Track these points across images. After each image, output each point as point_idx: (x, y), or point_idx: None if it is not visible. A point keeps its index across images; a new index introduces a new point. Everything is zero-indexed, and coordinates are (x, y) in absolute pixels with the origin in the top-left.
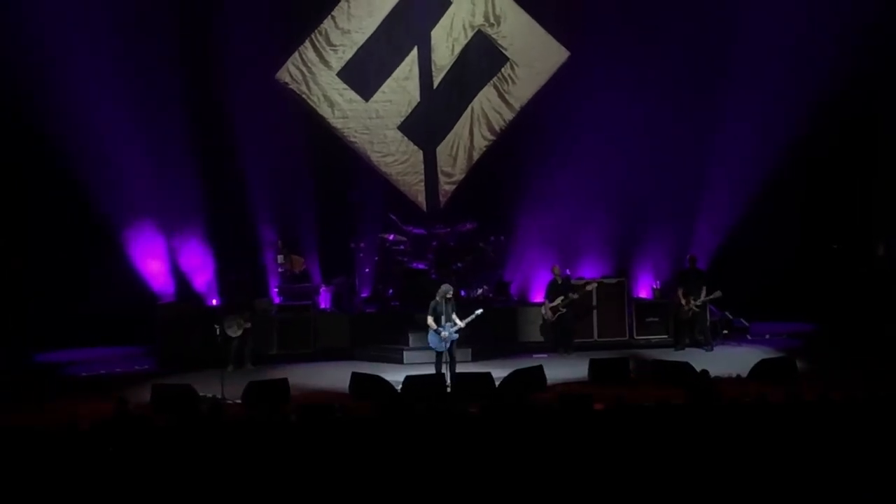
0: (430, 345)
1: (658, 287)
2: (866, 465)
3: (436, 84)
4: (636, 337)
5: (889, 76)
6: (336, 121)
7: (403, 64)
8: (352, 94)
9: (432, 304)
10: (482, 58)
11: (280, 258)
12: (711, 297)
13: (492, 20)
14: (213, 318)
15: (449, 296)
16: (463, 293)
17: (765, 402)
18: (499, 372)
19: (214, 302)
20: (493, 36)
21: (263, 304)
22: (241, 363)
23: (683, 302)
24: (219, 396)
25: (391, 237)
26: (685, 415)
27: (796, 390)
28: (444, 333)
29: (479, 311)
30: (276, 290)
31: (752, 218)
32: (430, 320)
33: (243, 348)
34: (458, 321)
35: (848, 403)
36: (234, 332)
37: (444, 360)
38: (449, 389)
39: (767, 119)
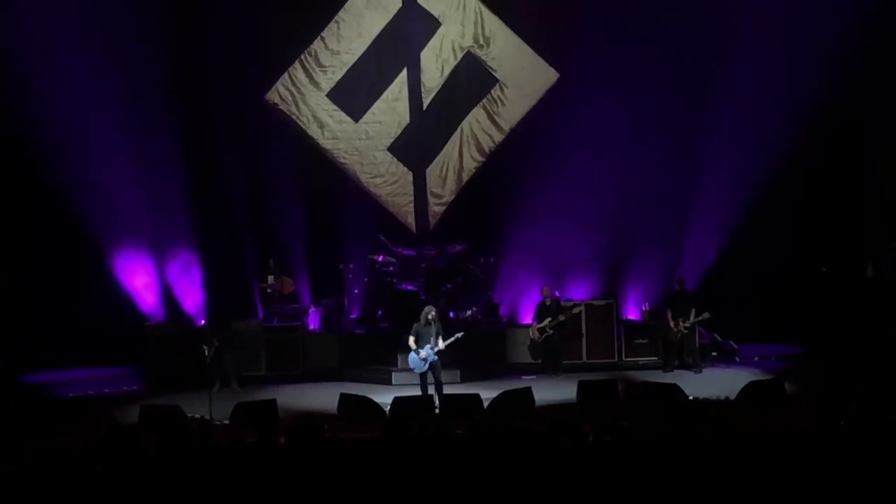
0: (410, 365)
1: (647, 309)
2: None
3: (425, 105)
4: (625, 359)
5: (881, 82)
6: (326, 142)
7: (393, 85)
8: (341, 115)
9: (415, 325)
10: (472, 79)
11: (270, 279)
12: (700, 318)
13: (481, 41)
14: (201, 338)
15: (431, 317)
16: (452, 315)
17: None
18: (487, 393)
19: (203, 322)
20: (483, 57)
21: (247, 326)
22: (226, 383)
23: (672, 324)
24: (207, 417)
25: (380, 258)
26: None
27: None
28: (423, 353)
29: (459, 335)
30: (265, 310)
31: (741, 240)
32: (410, 341)
33: (224, 368)
34: (439, 343)
35: (827, 433)
36: (206, 354)
37: (428, 381)
38: (437, 411)
39: (757, 139)
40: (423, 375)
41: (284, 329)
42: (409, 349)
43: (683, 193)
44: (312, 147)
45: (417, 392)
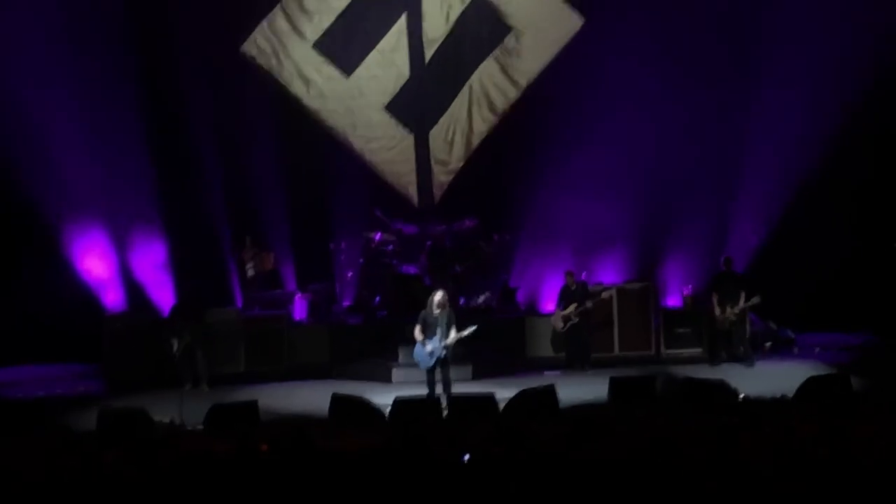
0: (415, 359)
1: (689, 293)
2: None
3: (428, 58)
4: (664, 351)
5: None
6: (312, 101)
7: (390, 34)
8: (330, 70)
9: (422, 313)
10: (482, 27)
11: (247, 258)
12: (751, 303)
13: None
14: (169, 330)
15: (438, 301)
16: (462, 301)
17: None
18: (503, 393)
19: (171, 312)
20: (495, 1)
21: (222, 315)
22: (198, 382)
23: (719, 310)
24: (177, 422)
25: (377, 237)
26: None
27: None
28: (430, 347)
29: (472, 328)
30: (243, 297)
31: (798, 212)
32: (416, 331)
33: (196, 365)
34: (451, 334)
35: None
36: (175, 349)
37: (436, 378)
38: (445, 413)
39: (818, 93)
40: (430, 372)
41: (266, 319)
42: (413, 341)
43: (729, 159)
44: (296, 107)
45: (422, 391)
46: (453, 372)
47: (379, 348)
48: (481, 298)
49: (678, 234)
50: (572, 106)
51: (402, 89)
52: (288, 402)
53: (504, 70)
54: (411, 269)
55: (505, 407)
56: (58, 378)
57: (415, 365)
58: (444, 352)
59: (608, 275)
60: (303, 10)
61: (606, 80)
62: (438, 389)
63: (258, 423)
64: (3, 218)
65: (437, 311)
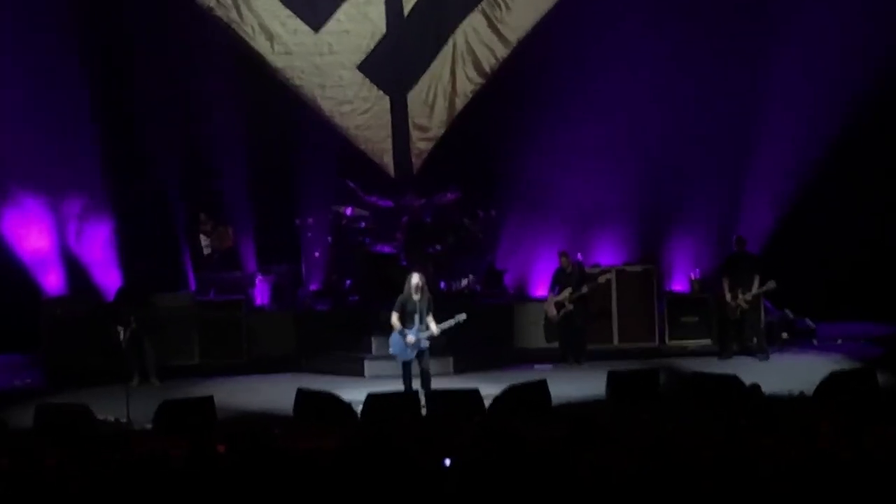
0: (392, 351)
1: (697, 277)
2: None
3: (407, 10)
4: (669, 342)
5: None
6: (276, 58)
7: None
8: (297, 23)
9: (400, 298)
10: None
11: (203, 234)
12: (766, 289)
13: None
14: (114, 317)
15: (416, 284)
16: (443, 285)
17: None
18: (489, 388)
19: (117, 296)
20: None
21: (174, 300)
22: (147, 375)
23: (730, 296)
24: (123, 420)
25: (349, 211)
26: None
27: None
28: (411, 338)
29: (461, 317)
30: (198, 279)
31: (817, 189)
32: (394, 318)
33: (143, 357)
34: (432, 325)
35: None
36: (121, 337)
37: (413, 372)
38: (424, 411)
39: (846, 51)
40: (407, 364)
41: (223, 304)
42: (389, 329)
43: (742, 127)
44: (259, 65)
45: (399, 387)
46: (433, 365)
47: (350, 338)
48: (464, 282)
49: (685, 211)
50: (569, 67)
51: (377, 46)
52: (248, 398)
53: (492, 24)
54: (386, 249)
55: (491, 404)
56: None
57: (391, 357)
58: (426, 343)
59: (607, 256)
60: None
61: (608, 39)
62: (416, 384)
63: (214, 421)
64: None
65: (416, 297)
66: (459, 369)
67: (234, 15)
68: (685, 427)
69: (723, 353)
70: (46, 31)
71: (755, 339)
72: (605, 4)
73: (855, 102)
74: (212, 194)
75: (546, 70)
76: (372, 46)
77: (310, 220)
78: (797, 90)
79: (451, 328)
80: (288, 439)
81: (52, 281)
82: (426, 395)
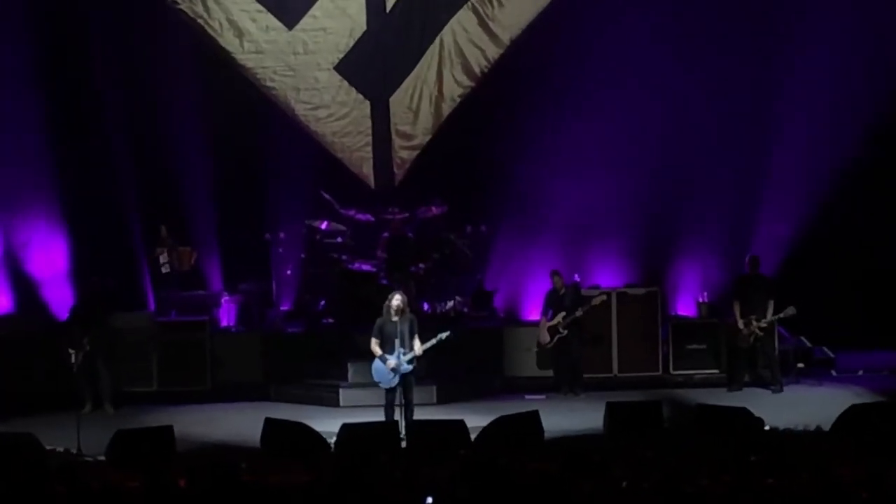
0: (375, 378)
1: (705, 300)
2: None
3: (389, 5)
4: (673, 371)
5: None
6: (246, 57)
7: None
8: (269, 19)
9: (378, 322)
10: None
11: (161, 253)
12: (783, 315)
13: None
14: (65, 338)
15: (396, 306)
16: (426, 307)
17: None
18: (475, 420)
19: (69, 316)
20: None
21: (131, 320)
22: (101, 402)
23: (742, 322)
24: (73, 450)
25: (324, 225)
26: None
27: None
28: (392, 362)
29: (443, 335)
30: (157, 298)
31: (839, 202)
32: (374, 344)
33: (96, 383)
34: (416, 347)
35: None
36: (73, 361)
37: (397, 400)
38: (404, 444)
39: (868, 56)
40: (391, 392)
41: (185, 325)
42: (369, 355)
43: (755, 139)
44: (226, 64)
45: (377, 417)
46: (415, 393)
47: (324, 364)
48: (450, 303)
49: (693, 228)
50: (566, 70)
51: (356, 45)
52: (211, 429)
53: (483, 22)
54: (365, 267)
55: (477, 437)
56: None
57: (369, 385)
58: (409, 367)
59: (606, 276)
60: None
61: (608, 41)
62: (397, 414)
63: (174, 453)
64: None
65: (395, 318)
66: (444, 398)
67: (199, 9)
68: (690, 464)
69: (732, 383)
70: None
71: (769, 370)
72: (605, 5)
73: (878, 109)
74: (173, 205)
75: (541, 72)
76: (351, 45)
77: (281, 235)
78: (816, 92)
79: (433, 346)
80: (255, 473)
81: None
82: (407, 426)
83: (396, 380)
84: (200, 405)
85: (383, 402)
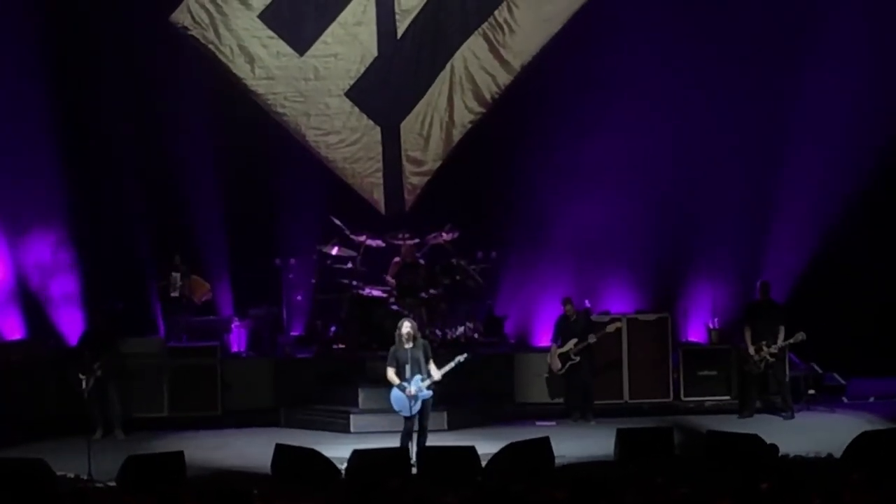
0: (395, 407)
1: (716, 327)
2: None
3: (400, 32)
4: (684, 398)
5: None
6: (257, 83)
7: (354, 3)
8: (280, 45)
9: (392, 350)
10: None
11: (175, 279)
12: (794, 340)
13: None
14: (76, 364)
15: (406, 333)
16: (437, 332)
17: None
18: (486, 446)
19: (80, 341)
20: None
21: (142, 346)
22: (111, 427)
23: (753, 349)
24: (84, 476)
25: (335, 251)
26: None
27: None
28: (412, 390)
29: (461, 357)
30: (168, 325)
31: (851, 228)
32: (390, 373)
33: (107, 408)
34: (433, 372)
35: None
36: (83, 386)
37: (414, 427)
38: (415, 470)
39: (881, 78)
40: (410, 420)
41: (196, 351)
42: (382, 382)
43: (770, 162)
44: (238, 90)
45: (388, 443)
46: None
47: (334, 389)
48: (461, 329)
49: (703, 254)
50: (576, 95)
51: (367, 71)
52: (221, 454)
53: (494, 48)
54: (375, 292)
55: (488, 464)
56: None
57: (380, 411)
58: (429, 393)
59: (617, 302)
60: None
61: (618, 66)
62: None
63: (184, 478)
64: None
65: (408, 345)
66: (454, 425)
67: (211, 35)
68: (701, 491)
69: (743, 410)
70: (2, 53)
71: (780, 396)
72: (616, 28)
73: (890, 136)
74: (184, 230)
75: (551, 98)
76: (361, 71)
77: (291, 261)
78: (828, 119)
79: (452, 370)
80: (266, 499)
81: (10, 323)
82: (418, 453)
83: (417, 407)
84: (211, 431)
85: (394, 428)
